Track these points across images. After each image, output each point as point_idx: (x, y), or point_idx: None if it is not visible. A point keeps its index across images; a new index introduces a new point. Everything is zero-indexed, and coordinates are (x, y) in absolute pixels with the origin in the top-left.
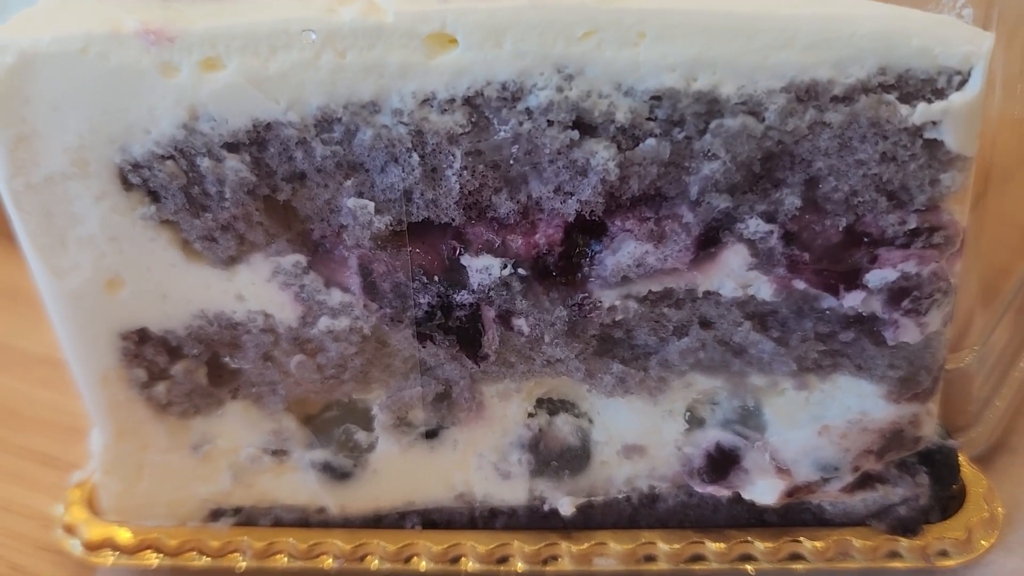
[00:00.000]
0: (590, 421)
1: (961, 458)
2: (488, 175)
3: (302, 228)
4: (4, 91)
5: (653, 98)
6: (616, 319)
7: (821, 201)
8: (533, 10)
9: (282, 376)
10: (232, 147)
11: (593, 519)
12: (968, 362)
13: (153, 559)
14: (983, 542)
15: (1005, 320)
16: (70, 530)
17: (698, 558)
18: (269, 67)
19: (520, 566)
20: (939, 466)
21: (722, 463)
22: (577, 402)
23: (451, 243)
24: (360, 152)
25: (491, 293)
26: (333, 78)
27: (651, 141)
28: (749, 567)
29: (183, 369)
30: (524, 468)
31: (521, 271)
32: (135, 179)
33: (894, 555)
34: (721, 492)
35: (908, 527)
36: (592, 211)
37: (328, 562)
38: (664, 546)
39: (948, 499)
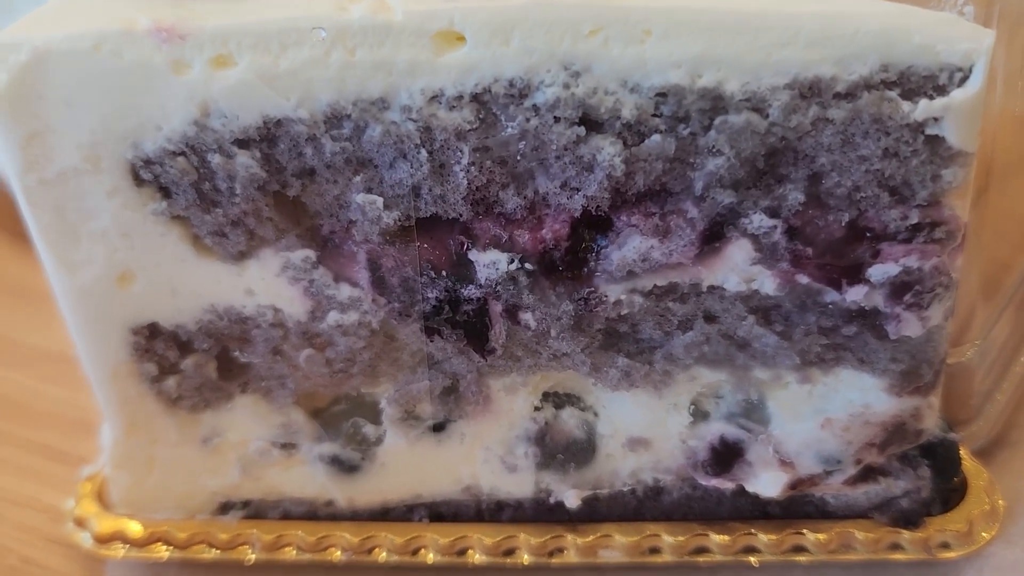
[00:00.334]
0: (595, 414)
1: (962, 451)
2: (495, 171)
3: (311, 223)
4: (17, 88)
5: (659, 95)
6: (621, 313)
7: (824, 196)
8: (540, 8)
9: (291, 370)
10: (243, 143)
11: (598, 511)
12: (969, 356)
13: (163, 552)
14: (984, 534)
15: (1006, 314)
16: (81, 523)
17: (702, 550)
18: (279, 64)
19: (526, 558)
20: (940, 459)
21: (726, 456)
22: (583, 396)
23: (459, 238)
24: (369, 148)
25: (498, 288)
26: (343, 75)
27: (656, 137)
28: (753, 559)
29: (193, 363)
30: (530, 461)
31: (528, 266)
32: (147, 175)
33: (896, 547)
34: (725, 485)
35: (910, 519)
36: (598, 206)
37: (336, 554)
38: (669, 538)
39: (949, 492)
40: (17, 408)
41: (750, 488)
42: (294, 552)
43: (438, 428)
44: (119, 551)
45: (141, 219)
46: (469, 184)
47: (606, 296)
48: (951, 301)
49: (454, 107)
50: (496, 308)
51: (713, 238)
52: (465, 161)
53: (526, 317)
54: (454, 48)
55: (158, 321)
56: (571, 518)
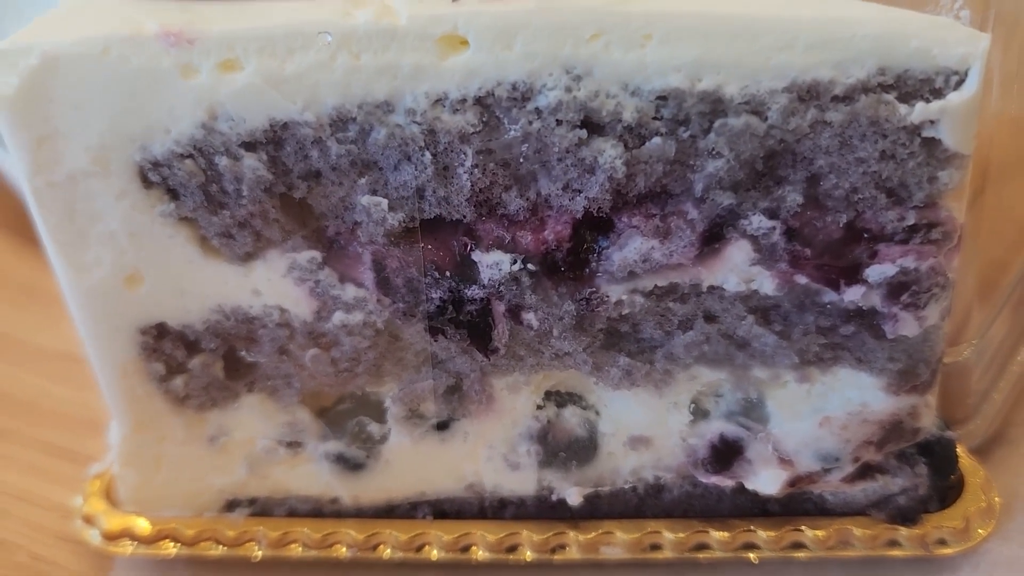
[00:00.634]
0: (597, 413)
1: (959, 449)
2: (498, 173)
3: (317, 225)
4: (28, 92)
5: (659, 98)
6: (623, 313)
7: (822, 198)
8: (542, 13)
9: (297, 369)
10: (249, 146)
11: (600, 509)
12: (967, 356)
13: (171, 549)
14: (980, 531)
15: (1003, 314)
16: (89, 520)
17: (702, 547)
18: (286, 68)
19: (529, 555)
20: (938, 457)
21: (726, 454)
22: (584, 394)
23: (462, 239)
24: (374, 151)
25: (501, 288)
26: (348, 79)
27: (657, 140)
28: (752, 555)
29: (200, 363)
30: (533, 459)
31: (530, 266)
32: (155, 177)
33: (894, 544)
34: (725, 482)
35: (907, 516)
36: (599, 208)
37: (342, 551)
38: (669, 535)
39: (946, 489)
40: (25, 407)
41: (750, 485)
42: (300, 549)
43: (442, 426)
44: (127, 548)
45: (149, 221)
46: (472, 186)
47: (607, 296)
48: (948, 301)
49: (458, 110)
50: (499, 308)
51: (713, 239)
52: (468, 163)
53: (529, 317)
54: (458, 52)
55: (166, 321)
56: (573, 515)
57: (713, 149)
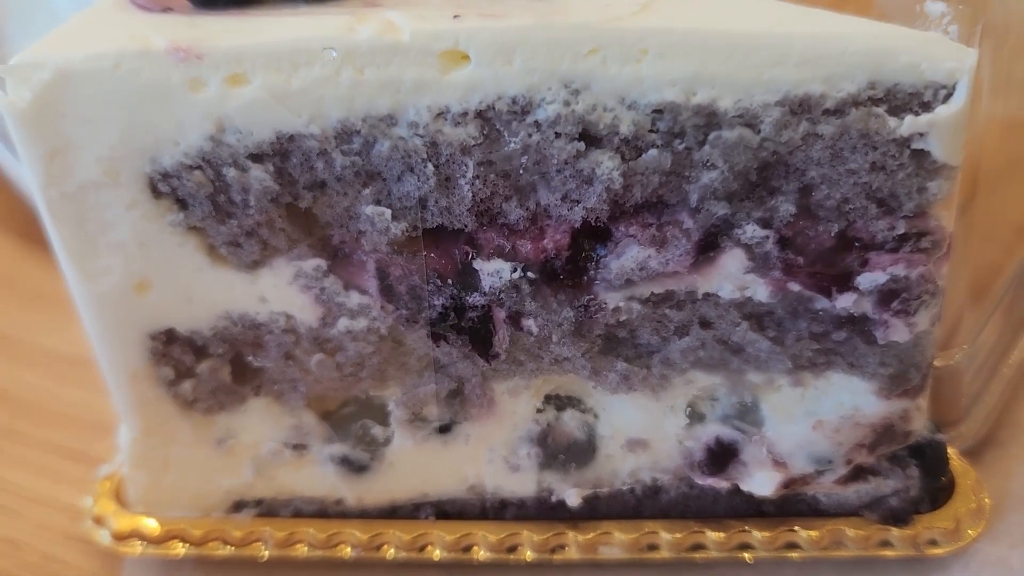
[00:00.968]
0: (596, 416)
1: (950, 451)
2: (499, 184)
3: (322, 234)
4: (41, 105)
5: (655, 111)
6: (620, 320)
7: (814, 208)
8: (541, 29)
9: (303, 374)
10: (256, 158)
11: (599, 510)
12: (958, 360)
13: (179, 549)
14: (970, 532)
15: (994, 319)
16: (99, 521)
17: (699, 547)
18: (292, 83)
19: (529, 555)
20: (929, 459)
21: (721, 456)
22: (583, 398)
23: (464, 248)
24: (378, 162)
25: (502, 295)
26: (352, 93)
27: (653, 152)
28: (747, 555)
29: (208, 368)
30: (533, 461)
31: (530, 274)
32: (164, 188)
33: (886, 544)
34: (721, 484)
35: (899, 517)
36: (597, 218)
37: (346, 551)
38: (666, 535)
39: (937, 491)
40: (34, 409)
41: (745, 487)
42: (305, 549)
43: (444, 429)
44: (136, 548)
45: (159, 230)
46: (474, 196)
47: (605, 303)
48: (937, 307)
49: (459, 123)
50: (500, 315)
51: (708, 248)
52: (470, 175)
53: (528, 323)
54: (459, 67)
55: (174, 327)
56: (572, 516)
57: (708, 161)
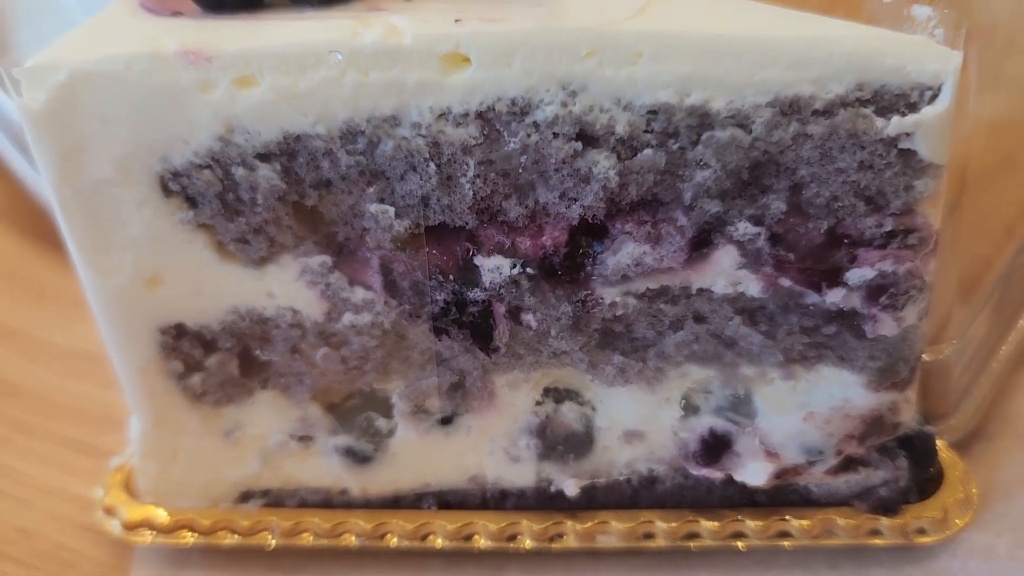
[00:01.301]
0: (593, 409)
1: (939, 443)
2: (499, 182)
3: (328, 231)
4: (55, 106)
5: (650, 112)
6: (617, 314)
7: (804, 206)
8: (540, 33)
9: (308, 367)
10: (264, 157)
11: (596, 500)
12: (947, 354)
13: (188, 538)
14: (958, 521)
15: (984, 314)
16: (110, 511)
17: (693, 535)
18: (299, 85)
19: (528, 543)
20: (917, 450)
21: (715, 447)
22: (581, 391)
23: (465, 245)
24: (382, 162)
25: (502, 291)
26: (357, 95)
27: (648, 151)
28: (740, 544)
29: (217, 361)
30: (532, 452)
31: (529, 270)
32: (174, 186)
33: (875, 533)
34: (715, 474)
35: (888, 507)
36: (594, 215)
37: (351, 540)
38: (662, 524)
39: (926, 481)
40: (45, 403)
41: (738, 477)
42: (311, 538)
43: (446, 421)
44: (146, 537)
45: (169, 227)
46: (474, 195)
47: (602, 298)
48: (925, 302)
49: (460, 124)
50: (500, 309)
51: (701, 244)
52: (471, 174)
53: (528, 318)
54: (460, 69)
55: (184, 322)
56: (571, 506)
57: (701, 160)
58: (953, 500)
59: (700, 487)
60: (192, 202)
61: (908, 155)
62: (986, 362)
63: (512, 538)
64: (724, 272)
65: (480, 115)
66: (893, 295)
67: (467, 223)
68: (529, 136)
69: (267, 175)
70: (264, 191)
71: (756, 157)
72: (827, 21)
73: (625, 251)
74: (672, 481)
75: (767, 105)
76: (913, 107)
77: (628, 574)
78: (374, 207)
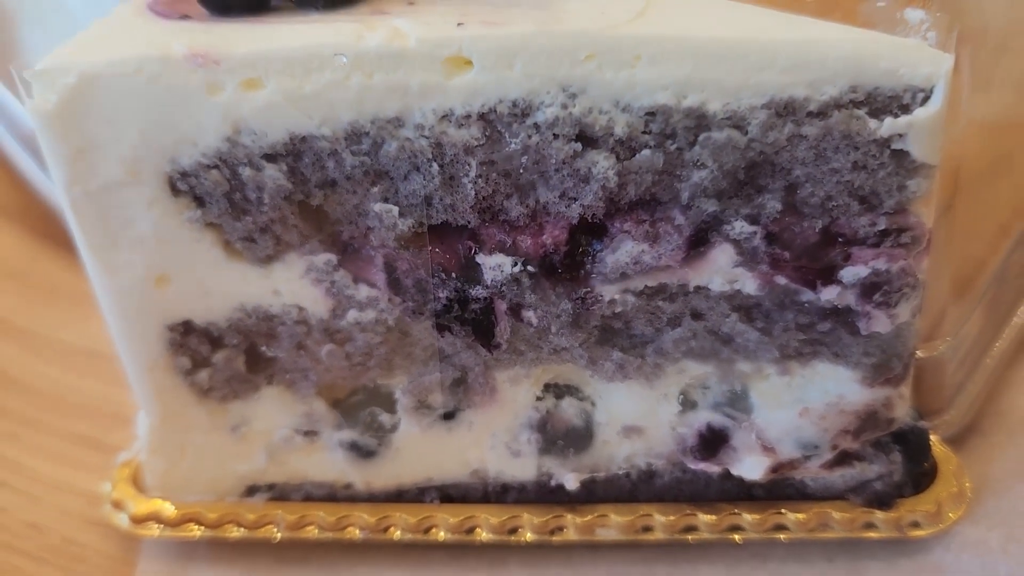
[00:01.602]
0: (593, 404)
1: (933, 438)
2: (500, 182)
3: (333, 230)
4: (66, 108)
5: (648, 114)
6: (616, 311)
7: (799, 205)
8: (541, 36)
9: (313, 364)
10: (270, 158)
11: (596, 493)
12: (942, 351)
13: (195, 531)
14: (951, 514)
15: (978, 312)
16: (118, 505)
17: (691, 528)
18: (304, 87)
19: (529, 536)
20: (911, 445)
21: (713, 442)
22: (581, 387)
23: (467, 243)
24: (386, 162)
25: (503, 288)
26: (361, 97)
27: (646, 152)
28: (737, 537)
29: (223, 357)
30: (533, 447)
31: (530, 268)
32: (183, 186)
33: (870, 526)
34: (712, 468)
35: (883, 501)
36: (594, 214)
37: (355, 533)
38: (660, 518)
39: (920, 475)
40: (54, 401)
41: (735, 471)
42: (316, 531)
43: (448, 416)
44: (154, 531)
45: (177, 226)
46: (476, 194)
47: (601, 296)
48: (918, 300)
49: (463, 125)
50: (501, 307)
51: (699, 243)
52: (473, 174)
53: (528, 315)
54: (463, 72)
55: (192, 319)
56: (570, 499)
57: (698, 160)
58: (947, 494)
59: (698, 481)
60: (200, 201)
61: (901, 156)
62: (980, 359)
63: (513, 531)
64: (721, 270)
65: (482, 117)
66: (887, 293)
67: (469, 222)
68: (530, 137)
69: (273, 175)
70: (270, 191)
71: (752, 158)
72: (821, 25)
73: (624, 249)
74: (670, 475)
75: (763, 107)
76: (906, 109)
77: (627, 566)
78: (378, 206)
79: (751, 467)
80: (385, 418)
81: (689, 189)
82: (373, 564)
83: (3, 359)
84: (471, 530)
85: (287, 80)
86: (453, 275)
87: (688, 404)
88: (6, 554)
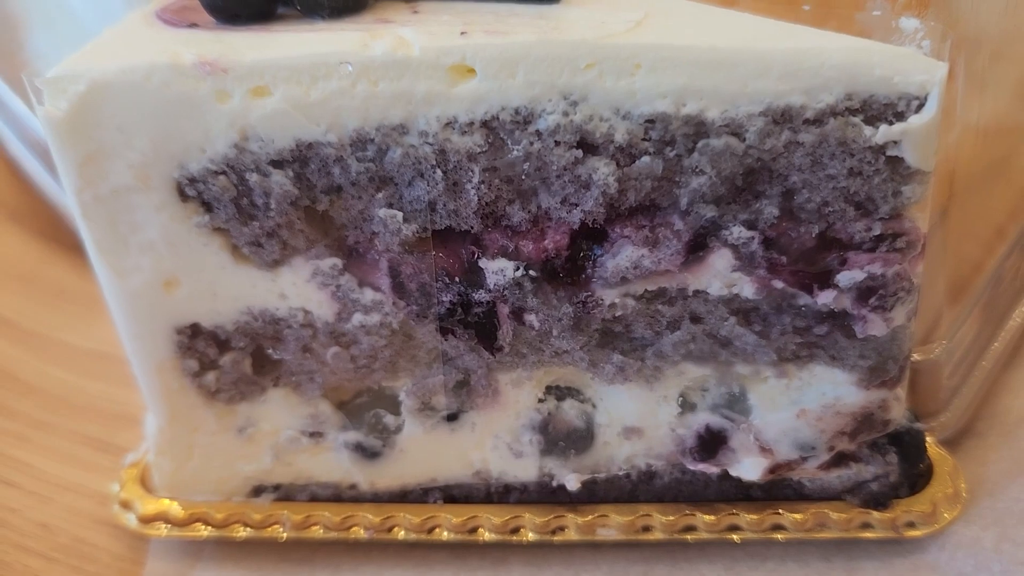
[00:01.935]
0: (593, 406)
1: (928, 439)
2: (503, 188)
3: (338, 235)
4: (76, 115)
5: (647, 121)
6: (616, 315)
7: (796, 211)
8: (542, 45)
9: (319, 366)
10: (277, 164)
11: (596, 494)
12: (938, 354)
13: (202, 531)
14: (946, 515)
15: (973, 315)
16: (126, 505)
17: (690, 528)
18: (311, 95)
19: (531, 536)
20: (907, 446)
21: (711, 443)
22: (582, 389)
23: (470, 248)
24: (390, 168)
25: (505, 292)
26: (367, 104)
27: (646, 159)
28: (736, 536)
29: (231, 360)
30: (535, 448)
31: (532, 273)
32: (191, 192)
33: (866, 526)
34: (711, 469)
35: (879, 501)
36: (594, 220)
37: (359, 533)
38: (660, 518)
39: (916, 476)
40: (61, 402)
41: (733, 472)
42: (321, 531)
43: (452, 418)
44: (162, 530)
45: (186, 231)
46: (479, 200)
47: (602, 299)
48: (913, 304)
49: (466, 132)
50: (503, 310)
51: (697, 248)
52: (476, 180)
53: (530, 318)
54: (466, 80)
55: (199, 322)
56: (572, 500)
57: (697, 167)
58: (942, 495)
59: (697, 482)
60: (208, 207)
61: (896, 162)
62: (976, 361)
63: (515, 531)
64: (719, 274)
65: (485, 124)
66: (882, 296)
67: (472, 227)
68: (532, 144)
69: (280, 181)
70: (277, 196)
71: (750, 164)
72: (817, 33)
73: (624, 254)
74: (670, 476)
75: (760, 114)
76: (900, 116)
77: (627, 566)
78: (383, 212)
79: (749, 468)
80: (389, 419)
81: (688, 195)
82: (377, 563)
83: (12, 361)
84: (474, 530)
85: (294, 88)
86: (456, 279)
87: (687, 406)
88: (17, 554)
